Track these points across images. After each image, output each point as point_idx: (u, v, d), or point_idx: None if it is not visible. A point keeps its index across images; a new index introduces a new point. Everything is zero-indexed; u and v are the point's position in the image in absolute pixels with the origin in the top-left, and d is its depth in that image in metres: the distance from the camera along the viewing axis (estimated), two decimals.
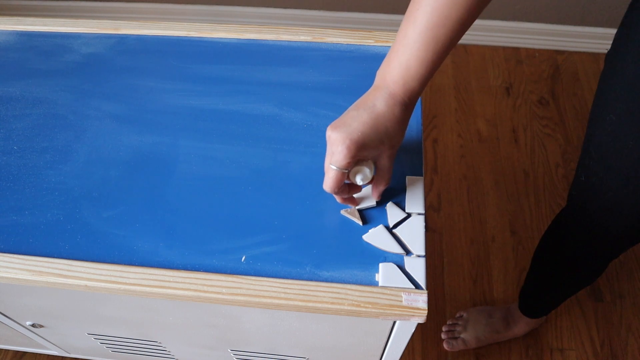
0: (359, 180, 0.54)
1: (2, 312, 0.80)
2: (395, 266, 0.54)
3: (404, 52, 0.49)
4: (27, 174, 0.64)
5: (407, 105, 0.52)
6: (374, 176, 0.56)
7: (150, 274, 0.55)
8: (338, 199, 0.57)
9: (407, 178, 0.61)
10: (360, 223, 0.58)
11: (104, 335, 0.85)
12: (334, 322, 0.64)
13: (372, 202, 0.59)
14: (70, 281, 0.55)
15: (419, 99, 0.67)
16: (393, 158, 0.54)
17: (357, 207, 0.59)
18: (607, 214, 0.73)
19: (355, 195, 0.59)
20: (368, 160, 0.53)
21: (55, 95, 0.72)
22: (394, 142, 0.53)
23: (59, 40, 0.79)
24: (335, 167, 0.51)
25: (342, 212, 0.59)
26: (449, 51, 0.49)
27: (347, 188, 0.57)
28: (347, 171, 0.52)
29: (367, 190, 0.60)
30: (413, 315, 0.52)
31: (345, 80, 0.71)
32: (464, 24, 0.46)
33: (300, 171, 0.63)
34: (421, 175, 0.61)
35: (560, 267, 0.92)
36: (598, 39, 1.69)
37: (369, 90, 0.53)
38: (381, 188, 0.57)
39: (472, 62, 1.73)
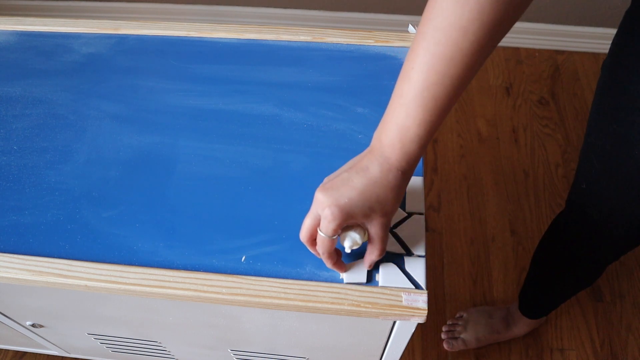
0: (347, 247, 0.50)
1: (2, 312, 0.80)
2: (395, 266, 0.54)
3: (400, 112, 0.45)
4: (27, 174, 0.64)
5: (404, 171, 0.47)
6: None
7: (150, 274, 0.55)
8: (327, 262, 0.53)
9: None
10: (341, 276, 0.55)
11: (104, 335, 0.85)
12: (334, 322, 0.64)
13: (361, 277, 0.54)
14: (70, 281, 0.55)
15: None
16: (386, 226, 0.50)
17: (344, 279, 0.54)
18: (607, 220, 0.73)
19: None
20: (359, 226, 0.50)
21: (55, 95, 0.72)
22: (386, 210, 0.48)
23: (59, 40, 0.79)
24: (323, 235, 0.48)
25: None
26: (448, 110, 0.45)
27: (334, 253, 0.52)
28: (336, 237, 0.49)
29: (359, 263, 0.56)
30: (413, 315, 0.52)
31: (345, 80, 0.71)
32: (462, 81, 0.42)
33: (300, 171, 0.63)
34: (421, 175, 0.61)
35: (558, 270, 0.92)
36: (598, 39, 1.69)
37: (365, 151, 0.49)
38: (373, 258, 0.52)
39: None
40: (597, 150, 0.68)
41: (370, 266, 0.54)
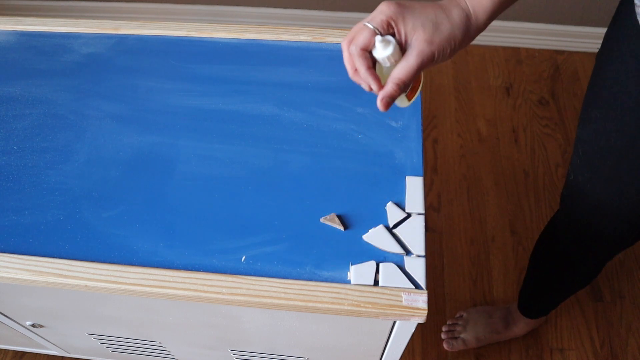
0: (379, 51, 0.47)
1: (2, 312, 0.80)
2: (395, 266, 0.54)
3: None
4: (27, 174, 0.64)
5: (468, 15, 0.47)
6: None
7: (150, 274, 0.55)
8: (359, 66, 0.48)
9: (407, 178, 0.61)
10: (342, 229, 0.58)
11: (104, 335, 0.85)
12: (334, 322, 0.64)
13: (369, 280, 0.52)
14: (70, 281, 0.55)
15: (420, 97, 0.67)
16: (424, 62, 0.47)
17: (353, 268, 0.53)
18: (596, 216, 0.73)
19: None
20: (397, 46, 0.47)
21: (55, 95, 0.72)
22: (435, 39, 0.46)
23: (59, 40, 0.79)
24: (369, 25, 0.46)
25: (322, 219, 0.58)
26: None
27: (365, 55, 0.48)
28: (379, 33, 0.46)
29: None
30: (413, 315, 0.52)
31: (345, 80, 0.71)
32: None
33: (300, 171, 0.63)
34: (421, 175, 0.62)
35: (555, 269, 0.92)
36: (598, 39, 1.69)
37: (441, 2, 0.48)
38: (394, 89, 0.48)
39: (472, 62, 1.73)
40: (582, 138, 0.69)
41: (385, 104, 0.49)
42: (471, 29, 0.49)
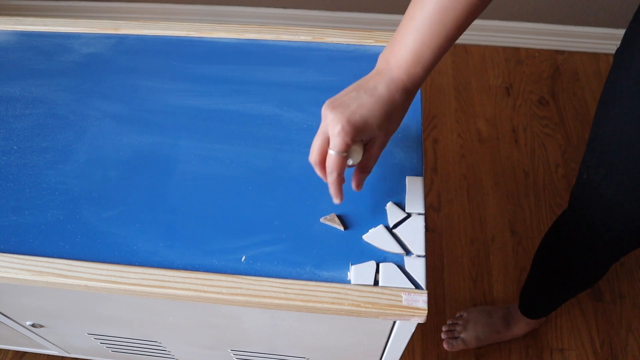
0: (350, 162, 0.52)
1: (2, 312, 0.80)
2: (395, 266, 0.54)
3: (410, 35, 0.47)
4: (27, 174, 0.64)
5: (409, 91, 0.50)
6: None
7: (150, 274, 0.55)
8: (334, 185, 0.53)
9: (407, 178, 0.61)
10: (342, 229, 0.58)
11: (104, 335, 0.85)
12: (334, 322, 0.64)
13: (369, 280, 0.54)
14: (70, 281, 0.55)
15: (419, 97, 0.67)
16: (384, 146, 0.53)
17: (351, 280, 0.54)
18: (608, 215, 0.73)
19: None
20: (360, 143, 0.51)
21: (55, 95, 0.72)
22: (390, 129, 0.51)
23: (59, 40, 0.79)
24: (334, 152, 0.49)
25: (322, 219, 0.58)
26: (456, 37, 0.47)
27: (342, 175, 0.53)
28: (346, 154, 0.50)
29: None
30: (413, 315, 0.52)
31: (346, 80, 0.71)
32: (475, 9, 0.45)
33: (300, 171, 0.63)
34: (421, 175, 0.61)
35: (560, 270, 0.91)
36: (598, 39, 1.69)
37: (370, 74, 0.51)
38: (364, 176, 0.55)
39: (472, 62, 1.73)
40: (599, 136, 0.69)
41: (358, 186, 0.55)
42: (410, 99, 0.51)
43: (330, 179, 0.52)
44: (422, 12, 0.46)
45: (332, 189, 0.53)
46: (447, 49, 0.48)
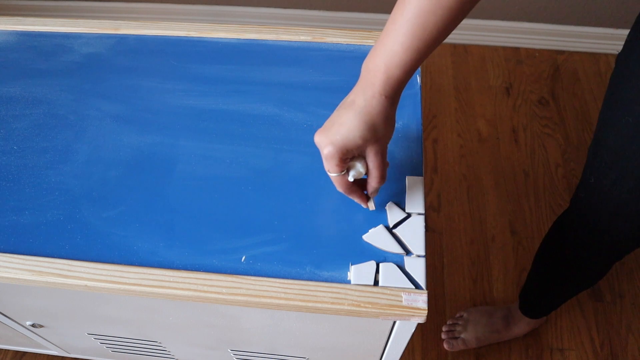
0: (350, 177, 0.53)
1: (2, 312, 0.80)
2: (395, 266, 0.54)
3: (389, 38, 0.46)
4: (27, 174, 0.64)
5: (388, 95, 0.48)
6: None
7: (150, 274, 0.55)
8: (352, 197, 0.57)
9: (407, 178, 0.61)
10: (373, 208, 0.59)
11: (104, 335, 0.85)
12: (334, 322, 0.64)
13: (369, 280, 0.54)
14: (70, 281, 0.55)
15: (419, 97, 0.67)
16: (381, 153, 0.52)
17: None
18: (615, 216, 0.72)
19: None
20: (361, 156, 0.52)
21: (55, 95, 0.72)
22: (377, 136, 0.50)
23: (59, 40, 0.79)
24: (331, 175, 0.52)
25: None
26: (437, 42, 0.46)
27: (355, 187, 0.55)
28: (345, 172, 0.52)
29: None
30: (413, 315, 0.52)
31: (346, 80, 0.71)
32: (455, 15, 0.44)
33: (300, 171, 0.63)
34: (421, 175, 0.61)
35: (562, 270, 0.91)
36: (598, 39, 1.69)
37: (355, 85, 0.51)
38: (374, 185, 0.54)
39: (472, 62, 1.73)
40: (608, 144, 0.68)
41: (373, 193, 0.56)
42: (393, 103, 0.51)
43: (346, 194, 0.55)
44: (402, 16, 0.45)
45: (355, 200, 0.57)
46: (429, 52, 0.47)
